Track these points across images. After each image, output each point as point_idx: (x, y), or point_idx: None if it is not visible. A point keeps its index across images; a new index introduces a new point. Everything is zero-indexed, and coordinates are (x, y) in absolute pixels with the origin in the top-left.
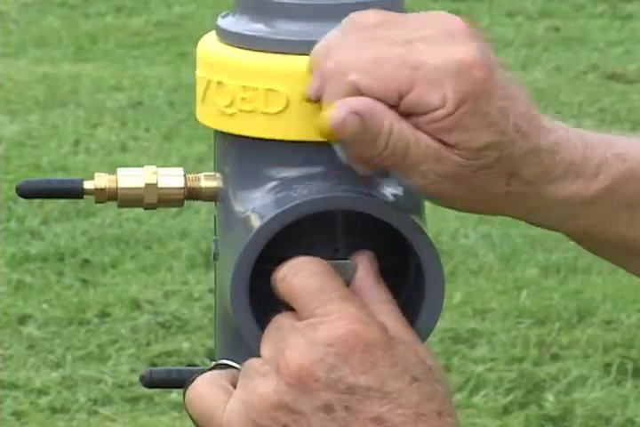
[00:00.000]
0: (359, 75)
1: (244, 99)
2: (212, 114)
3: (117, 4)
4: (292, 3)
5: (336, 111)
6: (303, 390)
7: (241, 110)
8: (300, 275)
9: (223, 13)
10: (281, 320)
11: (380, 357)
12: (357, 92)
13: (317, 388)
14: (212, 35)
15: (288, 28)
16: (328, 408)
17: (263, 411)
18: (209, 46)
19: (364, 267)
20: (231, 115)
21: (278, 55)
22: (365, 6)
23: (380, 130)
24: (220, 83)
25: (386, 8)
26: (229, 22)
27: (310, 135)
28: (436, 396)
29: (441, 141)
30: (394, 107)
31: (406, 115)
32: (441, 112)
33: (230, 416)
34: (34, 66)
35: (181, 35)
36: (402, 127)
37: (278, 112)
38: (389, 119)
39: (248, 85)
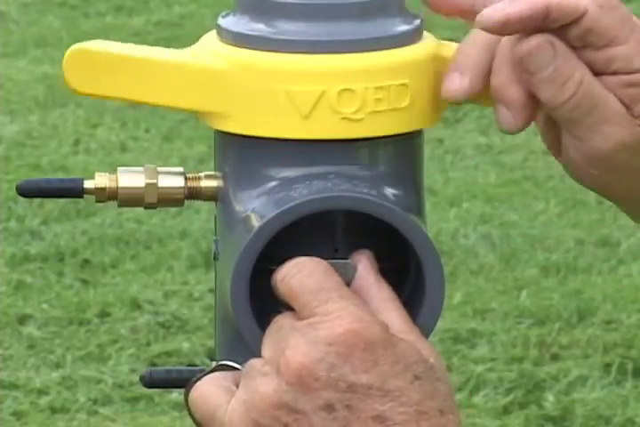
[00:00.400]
0: None
1: None
2: None
3: (117, 3)
4: (293, 2)
5: (532, 39)
6: (304, 389)
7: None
8: (299, 275)
9: (223, 13)
10: (281, 321)
11: (381, 355)
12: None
13: (318, 387)
14: (212, 34)
15: (289, 28)
16: (329, 407)
17: (264, 410)
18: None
19: (364, 266)
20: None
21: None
22: (364, 6)
23: (572, 72)
24: None
25: (384, 7)
26: (230, 22)
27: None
28: (437, 394)
29: (628, 108)
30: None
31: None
32: (637, 76)
33: (232, 416)
34: (34, 66)
35: (181, 35)
36: (592, 80)
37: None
38: (581, 70)
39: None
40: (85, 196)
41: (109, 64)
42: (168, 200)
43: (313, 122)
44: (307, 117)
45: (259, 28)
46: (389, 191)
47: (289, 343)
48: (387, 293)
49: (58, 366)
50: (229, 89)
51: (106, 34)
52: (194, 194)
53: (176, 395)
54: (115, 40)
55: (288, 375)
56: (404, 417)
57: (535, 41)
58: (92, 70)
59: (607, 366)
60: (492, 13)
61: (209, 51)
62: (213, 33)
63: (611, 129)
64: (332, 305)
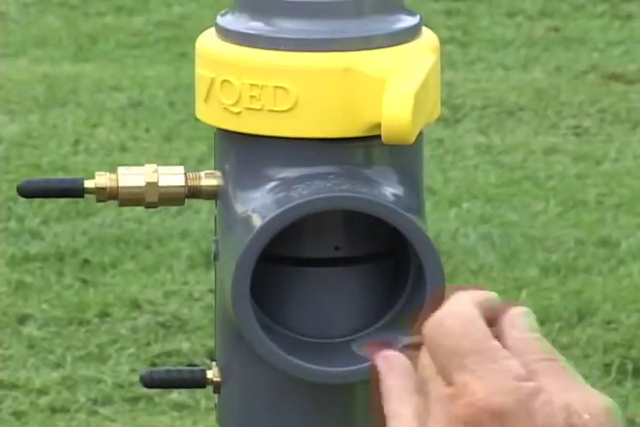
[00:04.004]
0: None
1: (252, 97)
2: (216, 112)
3: (117, 3)
4: (291, 1)
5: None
6: None
7: (248, 108)
8: (436, 331)
9: (222, 12)
10: (430, 374)
11: None
12: None
13: None
14: (211, 33)
15: (289, 26)
16: None
17: None
18: (211, 44)
19: (516, 317)
20: (237, 113)
21: (287, 53)
22: (361, 3)
23: None
24: (225, 81)
25: (382, 6)
26: (230, 20)
27: (318, 133)
28: None
29: None
30: None
31: None
32: None
33: None
34: (34, 66)
35: (181, 35)
36: None
37: (287, 110)
38: None
39: (256, 83)
40: (86, 195)
41: None
42: (169, 199)
43: (208, 106)
44: (205, 101)
45: (259, 26)
46: (389, 191)
47: (432, 417)
48: (536, 348)
49: (58, 366)
50: None
51: (106, 34)
52: (194, 193)
53: (176, 395)
54: (115, 40)
55: None
56: None
57: None
58: None
59: (607, 366)
60: None
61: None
62: (212, 31)
63: None
64: (467, 376)
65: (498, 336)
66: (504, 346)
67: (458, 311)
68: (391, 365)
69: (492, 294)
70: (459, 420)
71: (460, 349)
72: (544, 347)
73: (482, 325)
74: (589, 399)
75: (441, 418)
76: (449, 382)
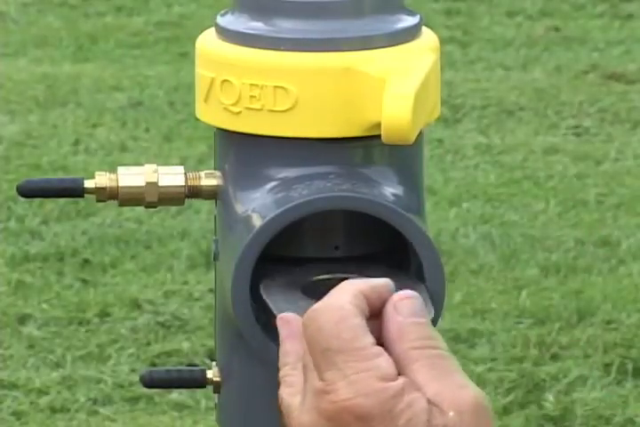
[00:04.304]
0: None
1: (252, 97)
2: (216, 112)
3: (117, 3)
4: (291, 1)
5: None
6: None
7: (248, 108)
8: (311, 328)
9: (222, 12)
10: (308, 359)
11: None
12: None
13: None
14: (211, 33)
15: (289, 26)
16: None
17: None
18: (211, 44)
19: (394, 305)
20: (237, 113)
21: (287, 53)
22: (361, 3)
23: None
24: (225, 81)
25: (382, 6)
26: (230, 20)
27: (318, 133)
28: None
29: None
30: None
31: None
32: None
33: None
34: (34, 66)
35: (181, 35)
36: None
37: (287, 110)
38: None
39: (256, 83)
40: (86, 195)
41: None
42: (169, 199)
43: (208, 106)
44: (205, 101)
45: (259, 26)
46: (389, 191)
47: (304, 401)
48: (413, 335)
49: (58, 366)
50: None
51: (106, 34)
52: (194, 192)
53: (176, 395)
54: (115, 40)
55: None
56: None
57: None
58: None
59: (607, 366)
60: None
61: None
62: (211, 31)
63: None
64: (335, 374)
65: (382, 325)
66: (386, 333)
67: (334, 307)
68: (291, 329)
69: (383, 281)
70: (323, 414)
71: (331, 347)
72: (424, 333)
73: (355, 322)
74: (458, 393)
75: (311, 409)
76: (320, 378)
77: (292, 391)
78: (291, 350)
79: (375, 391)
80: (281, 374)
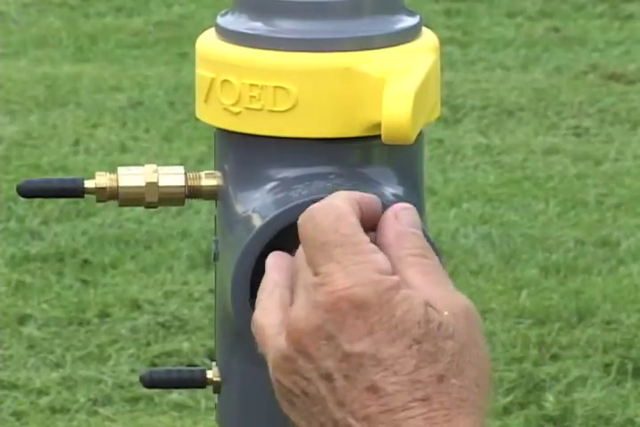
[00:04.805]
0: None
1: (252, 97)
2: (216, 112)
3: (117, 4)
4: (291, 1)
5: None
6: (308, 357)
7: (248, 108)
8: (309, 223)
9: (222, 12)
10: (300, 263)
11: (377, 322)
12: None
13: (319, 356)
14: (211, 33)
15: (289, 26)
16: (329, 377)
17: (282, 372)
18: (211, 45)
19: (394, 213)
20: (237, 113)
21: (287, 53)
22: (361, 3)
23: None
24: (225, 81)
25: (382, 6)
26: (229, 20)
27: (318, 133)
28: (440, 357)
29: None
30: None
31: None
32: None
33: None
34: (34, 66)
35: (181, 35)
36: None
37: (287, 110)
38: None
39: (256, 83)
40: (86, 195)
41: None
42: (169, 199)
43: (208, 106)
44: (205, 101)
45: (259, 26)
46: (389, 191)
47: (296, 303)
48: (410, 244)
49: (58, 366)
50: None
51: (106, 34)
52: (194, 193)
53: (176, 395)
54: (115, 40)
55: (294, 343)
56: (395, 387)
57: None
58: None
59: (607, 366)
60: None
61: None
62: (211, 31)
63: None
64: (331, 266)
65: (378, 231)
66: (383, 238)
67: (331, 206)
68: (276, 262)
69: (375, 197)
70: (320, 307)
71: (329, 241)
72: (422, 243)
73: (352, 220)
74: (451, 298)
75: (304, 304)
76: (316, 272)
77: (265, 313)
78: (270, 279)
79: (373, 282)
80: (257, 300)
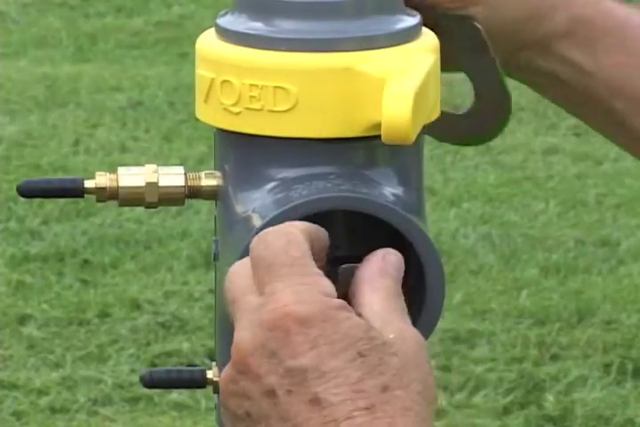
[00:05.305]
0: None
1: (252, 97)
2: (216, 112)
3: (117, 4)
4: (291, 1)
5: None
6: (251, 377)
7: (248, 108)
8: (260, 246)
9: (222, 12)
10: (247, 292)
11: (320, 336)
12: None
13: (262, 374)
14: (211, 33)
15: (289, 26)
16: (271, 393)
17: (227, 395)
18: (210, 45)
19: (375, 256)
20: (237, 113)
21: (287, 53)
22: (361, 3)
23: None
24: (225, 81)
25: (382, 6)
26: (229, 21)
27: (318, 133)
28: (385, 370)
29: None
30: None
31: None
32: None
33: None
34: (34, 66)
35: (181, 35)
36: None
37: (287, 110)
38: None
39: (256, 83)
40: (86, 195)
41: None
42: (169, 199)
43: (208, 107)
44: (205, 101)
45: (259, 26)
46: (389, 191)
47: (239, 324)
48: (384, 282)
49: (58, 366)
50: None
51: (106, 34)
52: (194, 193)
53: (176, 395)
54: (115, 40)
55: (238, 364)
56: (339, 398)
57: None
58: None
59: (607, 366)
60: None
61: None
62: (211, 31)
63: None
64: (277, 285)
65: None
66: (360, 272)
67: (284, 231)
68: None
69: (324, 232)
70: (263, 325)
71: (278, 261)
72: (395, 286)
73: (303, 245)
74: (402, 326)
75: (247, 325)
76: (261, 292)
77: None
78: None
79: (318, 301)
80: None
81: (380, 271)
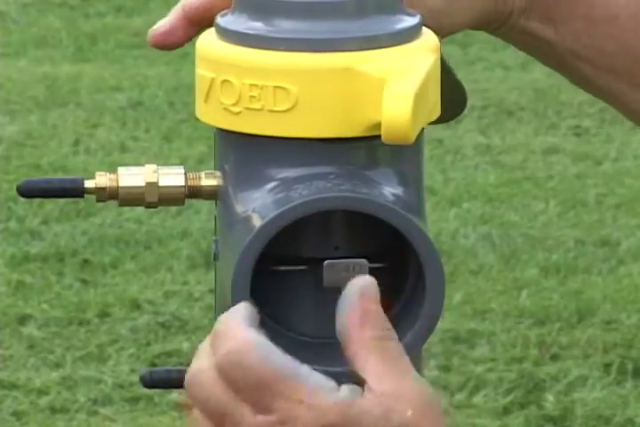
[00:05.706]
0: None
1: (252, 97)
2: (216, 112)
3: (117, 4)
4: (291, 1)
5: None
6: None
7: (248, 108)
8: (235, 373)
9: (222, 12)
10: (237, 411)
11: None
12: None
13: None
14: (211, 33)
15: (289, 26)
16: None
17: None
18: (211, 45)
19: (353, 295)
20: (237, 113)
21: (287, 53)
22: (361, 3)
23: None
24: (225, 81)
25: (382, 6)
26: (229, 20)
27: (318, 133)
28: None
29: None
30: None
31: None
32: None
33: None
34: (34, 66)
35: None
36: None
37: (287, 110)
38: None
39: (256, 83)
40: (86, 195)
41: None
42: (169, 199)
43: (208, 106)
44: (205, 101)
45: (259, 26)
46: (389, 191)
47: None
48: (372, 324)
49: (58, 366)
50: None
51: (106, 34)
52: (194, 193)
53: (176, 395)
54: (115, 40)
55: None
56: None
57: None
58: None
59: (607, 366)
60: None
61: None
62: (212, 31)
63: None
64: (286, 403)
65: (339, 307)
66: (343, 318)
67: (247, 346)
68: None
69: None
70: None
71: (264, 380)
72: (382, 323)
73: (271, 350)
74: (411, 391)
75: None
76: (264, 411)
77: None
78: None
79: (335, 409)
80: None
81: (362, 316)
